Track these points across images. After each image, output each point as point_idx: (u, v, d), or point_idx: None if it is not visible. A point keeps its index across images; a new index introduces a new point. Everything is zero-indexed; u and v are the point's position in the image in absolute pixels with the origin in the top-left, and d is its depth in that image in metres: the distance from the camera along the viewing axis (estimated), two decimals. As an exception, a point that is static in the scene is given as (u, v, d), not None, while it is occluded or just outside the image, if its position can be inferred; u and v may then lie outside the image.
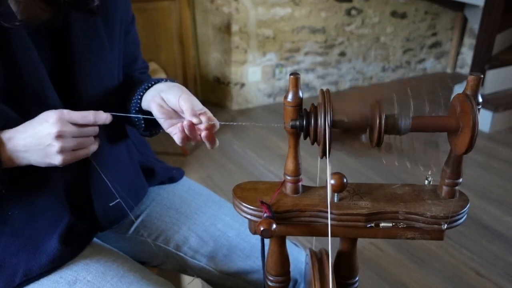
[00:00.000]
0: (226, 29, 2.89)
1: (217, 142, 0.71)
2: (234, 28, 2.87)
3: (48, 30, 0.71)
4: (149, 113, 0.76)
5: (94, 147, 0.70)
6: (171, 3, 2.83)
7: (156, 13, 2.80)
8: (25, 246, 0.72)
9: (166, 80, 0.79)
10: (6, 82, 0.65)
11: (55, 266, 0.73)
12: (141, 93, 0.78)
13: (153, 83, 0.79)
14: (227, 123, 0.72)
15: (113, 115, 0.70)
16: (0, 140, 0.63)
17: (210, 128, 0.69)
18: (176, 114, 0.73)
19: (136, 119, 0.79)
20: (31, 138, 0.63)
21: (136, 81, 0.84)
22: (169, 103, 0.72)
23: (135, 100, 0.78)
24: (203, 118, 0.68)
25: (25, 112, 0.67)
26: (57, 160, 0.65)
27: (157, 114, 0.72)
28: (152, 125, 0.80)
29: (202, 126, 0.68)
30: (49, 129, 0.63)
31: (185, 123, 0.66)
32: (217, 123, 0.70)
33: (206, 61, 3.11)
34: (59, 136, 0.63)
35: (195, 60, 3.10)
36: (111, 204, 0.80)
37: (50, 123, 0.63)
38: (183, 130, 0.69)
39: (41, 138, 0.63)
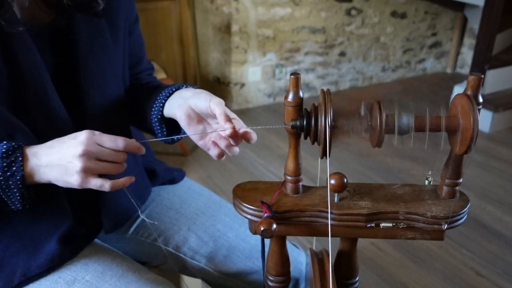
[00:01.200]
0: (226, 29, 2.89)
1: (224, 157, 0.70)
2: (234, 28, 2.87)
3: (51, 32, 0.71)
4: (172, 120, 0.74)
5: (116, 183, 0.64)
6: (171, 3, 2.83)
7: (156, 13, 2.80)
8: (25, 247, 0.72)
9: (187, 86, 0.78)
10: (8, 84, 0.65)
11: (53, 266, 0.73)
12: (163, 101, 0.76)
13: (174, 89, 0.77)
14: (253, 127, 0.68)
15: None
16: (25, 154, 0.62)
17: (245, 135, 0.66)
18: (205, 122, 0.71)
19: (158, 128, 0.78)
20: (57, 153, 0.62)
21: (153, 86, 0.83)
22: (198, 109, 0.69)
23: (156, 108, 0.76)
24: (237, 124, 0.66)
25: (27, 114, 0.67)
26: (74, 179, 0.62)
27: (185, 125, 0.70)
28: (173, 133, 0.78)
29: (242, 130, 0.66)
30: (75, 146, 0.61)
31: (227, 132, 0.63)
32: (255, 135, 0.67)
33: (206, 61, 3.11)
34: (84, 155, 0.60)
35: (195, 60, 3.10)
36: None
37: (78, 141, 0.61)
38: (216, 145, 0.68)
39: (65, 154, 0.61)
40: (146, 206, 0.92)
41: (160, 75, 2.38)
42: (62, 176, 0.62)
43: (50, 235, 0.73)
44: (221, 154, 0.69)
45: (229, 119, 0.64)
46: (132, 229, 0.90)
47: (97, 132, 0.63)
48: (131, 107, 0.84)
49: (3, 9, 0.61)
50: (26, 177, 0.62)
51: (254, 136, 0.67)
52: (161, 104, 0.76)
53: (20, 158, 0.61)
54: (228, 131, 0.63)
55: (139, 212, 0.85)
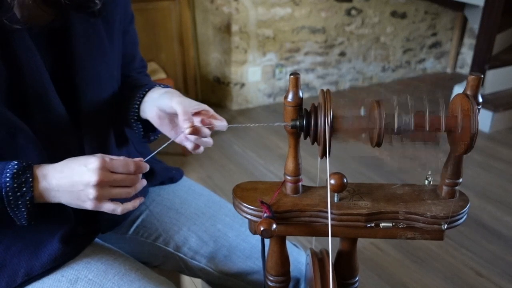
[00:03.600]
0: (226, 29, 2.89)
1: (201, 149, 0.72)
2: (234, 28, 2.87)
3: (49, 32, 0.71)
4: (148, 121, 0.77)
5: (127, 206, 0.67)
6: (171, 3, 2.83)
7: (156, 13, 2.80)
8: (26, 247, 0.72)
9: (158, 85, 0.80)
10: (8, 84, 0.65)
11: (56, 265, 0.73)
12: (137, 103, 0.79)
13: (146, 90, 0.79)
14: (231, 125, 0.70)
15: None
16: (35, 176, 0.62)
17: (206, 123, 0.68)
18: (176, 119, 0.73)
19: (135, 127, 0.80)
20: (67, 179, 0.62)
21: (132, 85, 0.85)
22: (164, 110, 0.73)
23: (132, 110, 0.79)
24: (202, 117, 0.68)
25: (28, 114, 0.67)
26: (88, 205, 0.63)
27: (158, 126, 0.74)
28: (151, 131, 0.81)
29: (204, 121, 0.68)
30: (88, 176, 0.61)
31: (186, 131, 0.66)
32: (224, 122, 0.69)
33: (206, 61, 3.11)
34: (97, 185, 0.61)
35: (195, 60, 3.10)
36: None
37: (91, 170, 0.61)
38: (188, 139, 0.70)
39: (77, 182, 0.62)
40: (146, 206, 0.92)
41: (160, 75, 2.38)
42: (74, 200, 0.64)
43: (52, 234, 0.73)
44: (196, 146, 0.72)
45: (189, 118, 0.67)
46: (132, 229, 0.90)
47: (107, 158, 0.63)
48: (118, 106, 0.85)
49: (3, 8, 0.61)
50: (35, 198, 0.63)
51: (219, 123, 0.69)
52: (137, 106, 0.79)
53: (31, 179, 0.62)
54: (187, 131, 0.65)
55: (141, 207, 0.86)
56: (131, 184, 0.66)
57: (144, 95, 0.79)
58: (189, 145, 0.72)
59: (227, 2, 2.81)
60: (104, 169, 0.62)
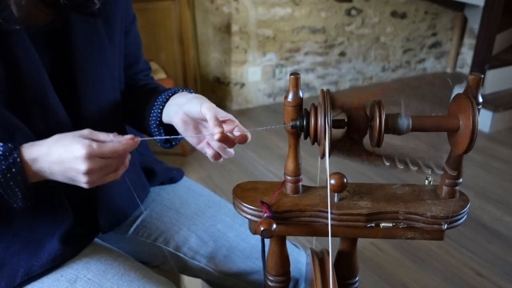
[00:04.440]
0: (226, 29, 2.89)
1: (221, 159, 0.71)
2: (234, 28, 2.87)
3: (48, 32, 0.71)
4: (170, 126, 0.76)
5: (121, 170, 0.68)
6: (171, 3, 2.83)
7: (156, 13, 2.80)
8: (26, 246, 0.72)
9: (183, 90, 0.79)
10: (7, 85, 0.65)
11: (55, 265, 0.73)
12: (161, 107, 0.77)
13: (170, 94, 0.78)
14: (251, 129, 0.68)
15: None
16: (24, 160, 0.62)
17: (241, 138, 0.66)
18: (201, 126, 0.73)
19: (157, 133, 0.79)
20: (57, 165, 0.62)
21: (149, 89, 0.84)
22: (191, 115, 0.70)
23: (154, 114, 0.77)
24: (231, 125, 0.67)
25: (27, 115, 0.67)
26: (83, 185, 0.64)
27: (182, 131, 0.72)
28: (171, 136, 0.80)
29: (236, 133, 0.66)
30: (77, 164, 0.61)
31: (216, 136, 0.63)
32: (249, 134, 0.67)
33: (206, 61, 3.11)
34: (87, 172, 0.62)
35: (195, 60, 3.10)
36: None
37: (79, 159, 0.61)
38: (210, 146, 0.69)
39: (68, 169, 0.62)
40: (146, 206, 0.92)
41: (160, 75, 2.38)
42: (69, 181, 0.65)
43: (51, 234, 0.73)
44: (217, 155, 0.70)
45: (219, 123, 0.64)
46: (132, 229, 0.90)
47: (94, 145, 0.62)
48: (129, 109, 0.84)
49: (0, 7, 0.61)
50: (29, 177, 0.63)
51: (248, 137, 0.67)
52: (159, 110, 0.77)
53: (19, 160, 0.62)
54: (217, 136, 0.63)
55: (142, 208, 0.86)
56: (120, 163, 0.67)
57: (167, 99, 0.77)
58: (209, 152, 0.70)
59: (227, 2, 2.81)
60: (92, 156, 0.62)
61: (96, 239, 0.83)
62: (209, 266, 0.88)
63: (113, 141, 0.64)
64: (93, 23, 0.74)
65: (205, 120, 0.67)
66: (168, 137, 0.79)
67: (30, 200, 0.65)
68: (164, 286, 0.75)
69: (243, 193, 0.66)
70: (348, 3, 3.23)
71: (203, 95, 0.73)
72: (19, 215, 0.71)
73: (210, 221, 0.90)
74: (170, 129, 0.78)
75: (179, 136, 0.76)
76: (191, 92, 0.78)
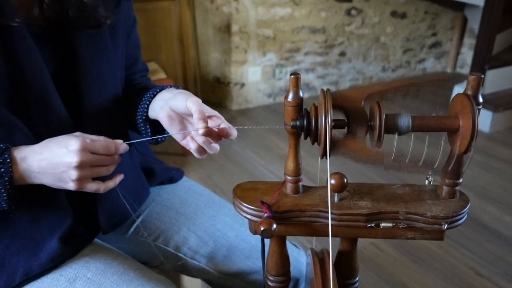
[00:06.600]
0: (226, 29, 2.89)
1: (205, 155, 0.71)
2: (234, 28, 2.87)
3: (52, 33, 0.71)
4: (157, 122, 0.76)
5: (108, 184, 0.68)
6: (171, 3, 2.83)
7: (156, 13, 2.80)
8: (25, 246, 0.72)
9: (170, 87, 0.79)
10: (10, 85, 0.65)
11: (55, 264, 0.73)
12: (147, 102, 0.77)
13: (158, 90, 0.78)
14: (240, 127, 0.69)
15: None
16: (14, 158, 0.62)
17: (222, 132, 0.66)
18: (186, 121, 0.73)
19: (143, 129, 0.79)
20: (47, 161, 0.62)
21: (140, 87, 0.84)
22: (177, 109, 0.71)
23: (141, 110, 0.78)
24: (217, 121, 0.67)
25: (28, 114, 0.67)
26: (71, 186, 0.64)
27: (167, 126, 0.72)
28: (158, 133, 0.80)
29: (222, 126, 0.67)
30: (69, 157, 0.61)
31: (200, 131, 0.64)
32: (235, 131, 0.67)
33: (206, 61, 3.11)
34: (78, 166, 0.62)
35: (195, 60, 3.10)
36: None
37: (71, 152, 0.62)
38: (194, 140, 0.69)
39: (58, 164, 0.62)
40: (146, 206, 0.92)
41: (160, 75, 2.37)
42: (56, 182, 0.64)
43: (50, 234, 0.73)
44: (201, 150, 0.70)
45: (204, 118, 0.65)
46: (132, 229, 0.90)
47: (88, 139, 0.63)
48: (123, 107, 0.85)
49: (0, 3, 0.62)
50: (15, 179, 0.63)
51: (233, 132, 0.67)
52: (146, 106, 0.77)
53: (8, 160, 0.62)
54: (201, 131, 0.64)
55: (134, 216, 0.86)
56: (112, 163, 0.67)
57: (154, 95, 0.77)
58: (193, 146, 0.70)
59: (227, 2, 2.81)
60: (85, 150, 0.62)
61: (95, 239, 0.83)
62: (209, 266, 0.88)
63: (105, 139, 0.66)
64: None
65: (191, 115, 0.68)
66: (154, 137, 0.79)
67: (15, 203, 0.64)
68: (164, 285, 0.75)
69: (243, 193, 0.66)
70: (348, 3, 3.23)
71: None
72: (18, 215, 0.71)
73: (210, 221, 0.90)
74: (156, 125, 0.78)
75: (164, 135, 0.76)
76: (178, 88, 0.78)
